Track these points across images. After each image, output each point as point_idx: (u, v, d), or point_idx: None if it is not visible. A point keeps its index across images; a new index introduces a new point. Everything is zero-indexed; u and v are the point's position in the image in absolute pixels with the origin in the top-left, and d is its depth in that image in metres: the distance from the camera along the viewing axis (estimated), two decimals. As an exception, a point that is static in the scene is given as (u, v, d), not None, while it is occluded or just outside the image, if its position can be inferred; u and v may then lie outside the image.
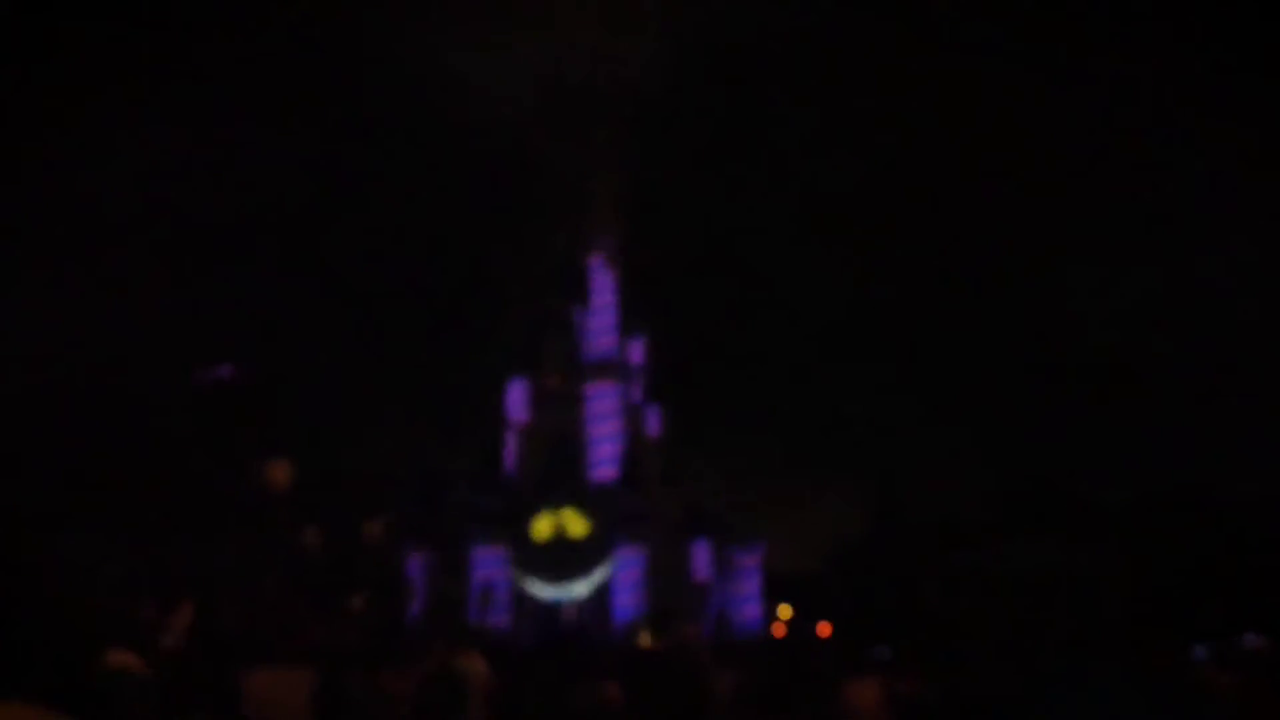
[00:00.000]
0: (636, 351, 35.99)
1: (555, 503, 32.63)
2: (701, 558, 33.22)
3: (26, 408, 31.81)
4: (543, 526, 32.36)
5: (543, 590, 32.08)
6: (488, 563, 32.18)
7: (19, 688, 2.67)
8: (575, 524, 32.37)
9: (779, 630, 39.35)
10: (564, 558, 32.02)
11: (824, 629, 41.01)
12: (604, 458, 33.66)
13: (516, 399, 35.31)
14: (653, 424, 35.54)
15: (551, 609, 31.98)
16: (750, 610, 34.50)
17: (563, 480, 32.98)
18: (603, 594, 32.10)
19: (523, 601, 31.98)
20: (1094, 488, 41.48)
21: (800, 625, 42.96)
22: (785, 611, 40.90)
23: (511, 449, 35.16)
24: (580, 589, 32.06)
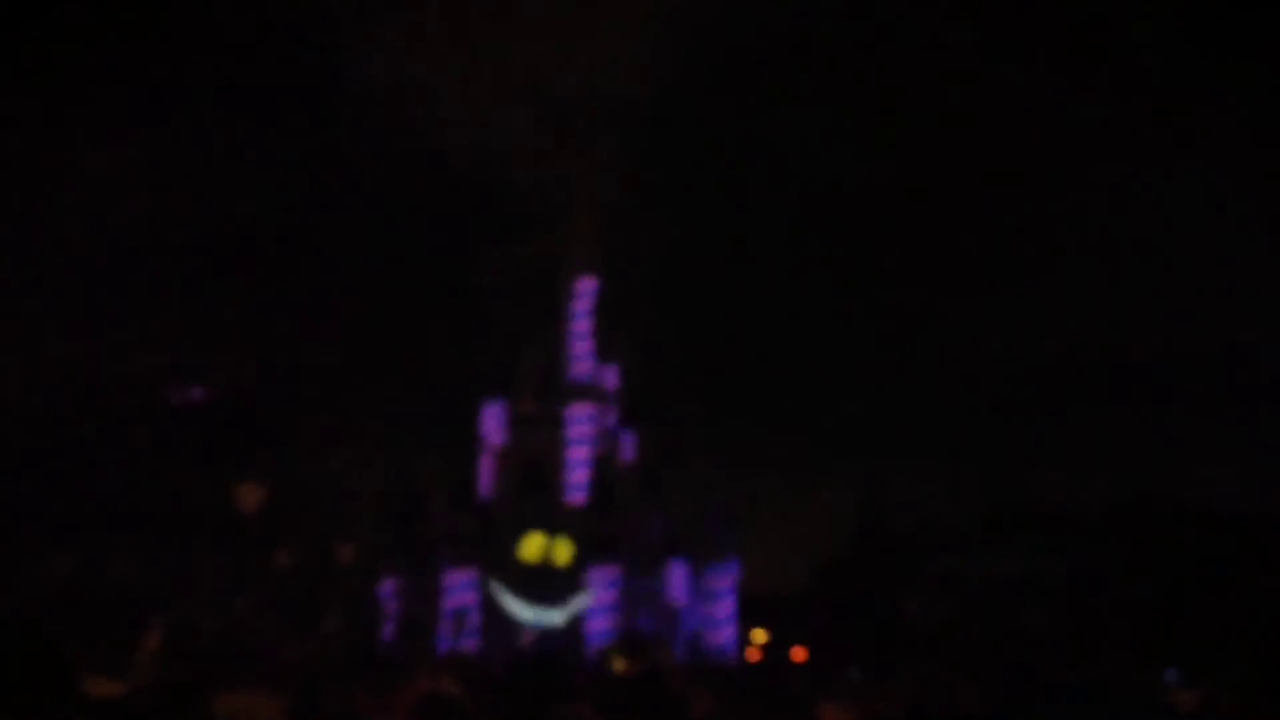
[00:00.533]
0: (612, 376, 36.02)
1: (532, 526, 32.58)
2: (677, 581, 33.18)
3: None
4: (532, 548, 32.28)
5: (522, 611, 31.98)
6: (460, 586, 32.05)
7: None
8: (562, 552, 32.33)
9: (754, 654, 39.30)
10: (547, 583, 31.97)
11: (799, 654, 40.97)
12: (579, 481, 33.63)
13: (492, 422, 35.22)
14: (628, 448, 35.52)
15: (524, 632, 31.88)
16: (726, 633, 34.49)
17: (537, 503, 32.93)
18: (577, 617, 32.04)
19: (494, 625, 31.85)
20: (1074, 496, 41.73)
21: (777, 647, 42.95)
22: (760, 635, 40.88)
23: (487, 472, 35.07)
24: (557, 616, 32.04)
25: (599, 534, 31.99)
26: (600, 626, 31.32)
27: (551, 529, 32.48)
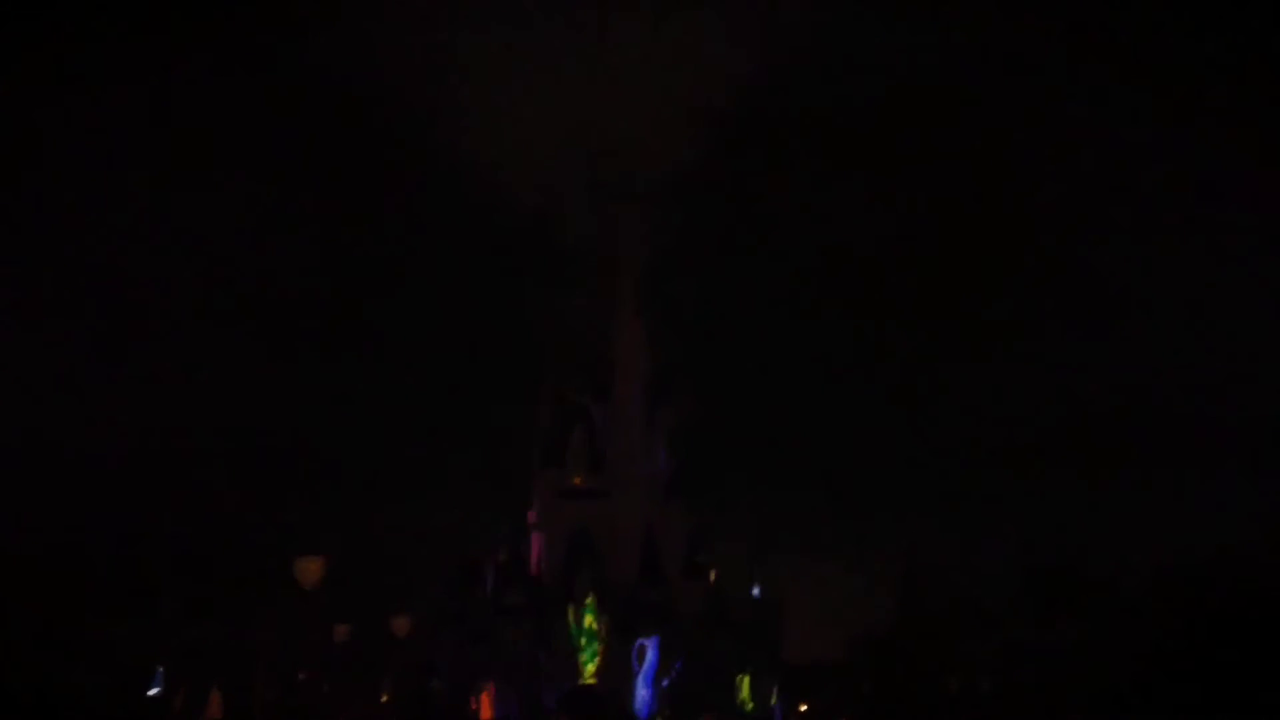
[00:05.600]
0: (658, 451, 36.88)
1: (580, 597, 33.34)
2: (722, 651, 33.79)
3: (68, 491, 32.96)
4: None
5: None
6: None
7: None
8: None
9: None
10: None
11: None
12: (626, 552, 34.40)
13: (541, 494, 36.29)
14: (674, 519, 36.32)
15: (577, 696, 32.62)
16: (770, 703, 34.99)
17: (585, 574, 33.70)
18: (627, 683, 32.68)
19: (547, 692, 32.60)
20: (1113, 569, 41.47)
21: (820, 716, 43.12)
22: (803, 706, 41.23)
23: (537, 544, 36.05)
24: None
25: (645, 603, 32.67)
26: (646, 693, 31.94)
27: (599, 599, 33.26)
